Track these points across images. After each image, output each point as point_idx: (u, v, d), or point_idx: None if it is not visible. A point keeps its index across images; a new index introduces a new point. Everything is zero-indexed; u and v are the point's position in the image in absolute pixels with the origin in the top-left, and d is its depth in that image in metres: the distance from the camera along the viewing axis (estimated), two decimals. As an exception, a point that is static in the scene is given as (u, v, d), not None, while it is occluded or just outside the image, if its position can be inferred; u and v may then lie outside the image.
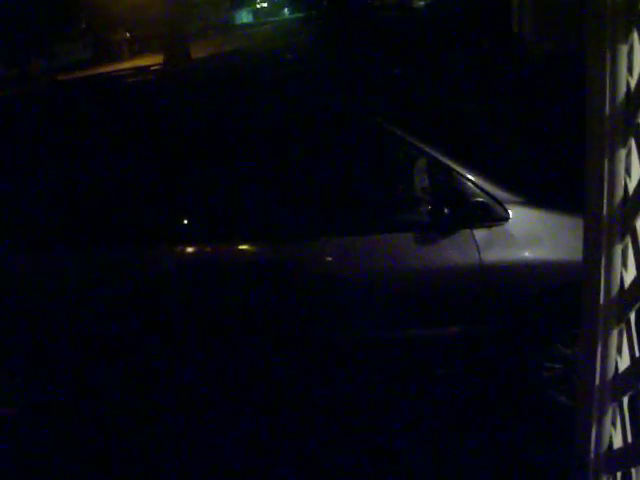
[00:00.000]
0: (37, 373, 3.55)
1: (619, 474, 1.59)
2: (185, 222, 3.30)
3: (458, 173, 2.98)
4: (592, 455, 1.65)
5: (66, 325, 3.36)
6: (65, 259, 3.35)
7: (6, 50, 23.50)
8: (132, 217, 3.34)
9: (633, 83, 1.35)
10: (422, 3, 27.81)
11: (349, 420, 3.38)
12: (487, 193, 2.95)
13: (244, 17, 48.96)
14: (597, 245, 1.48)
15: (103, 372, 3.48)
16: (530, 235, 2.95)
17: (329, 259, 3.13)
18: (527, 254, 2.95)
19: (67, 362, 3.48)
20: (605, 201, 1.43)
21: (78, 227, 3.36)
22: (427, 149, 3.03)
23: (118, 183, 3.37)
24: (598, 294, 1.51)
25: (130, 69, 4.71)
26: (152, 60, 13.22)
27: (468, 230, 2.95)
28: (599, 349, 1.56)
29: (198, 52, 14.91)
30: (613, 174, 1.42)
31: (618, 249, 1.48)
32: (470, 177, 2.97)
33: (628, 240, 1.47)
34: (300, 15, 26.80)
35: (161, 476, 3.22)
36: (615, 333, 1.54)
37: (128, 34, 30.65)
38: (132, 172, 3.36)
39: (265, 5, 49.97)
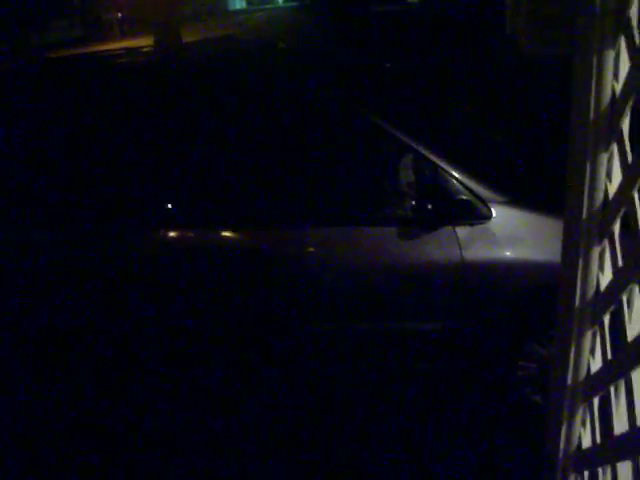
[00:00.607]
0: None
1: (586, 474, 1.61)
2: (170, 206, 3.29)
3: (443, 170, 2.99)
4: (561, 454, 1.68)
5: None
6: (57, 238, 3.34)
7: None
8: (119, 198, 3.33)
9: (618, 89, 1.37)
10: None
11: (326, 410, 3.40)
12: (471, 191, 2.97)
13: (237, 3, 48.71)
14: (575, 247, 1.50)
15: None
16: (512, 235, 2.98)
17: (311, 249, 3.14)
18: (508, 253, 2.97)
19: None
20: (585, 204, 1.45)
21: (71, 206, 3.36)
22: (413, 144, 3.04)
23: (106, 164, 3.36)
24: (574, 296, 1.52)
25: (121, 49, 4.67)
26: (143, 41, 13.11)
27: (450, 227, 2.97)
28: (572, 350, 1.58)
29: (190, 36, 14.80)
30: (594, 178, 1.43)
31: (595, 252, 1.49)
32: (455, 174, 2.99)
33: (606, 244, 1.48)
34: (294, 4, 26.66)
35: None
36: (589, 335, 1.57)
37: (120, 14, 30.37)
38: (121, 154, 3.35)
39: (260, -8, 49.74)
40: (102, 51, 4.73)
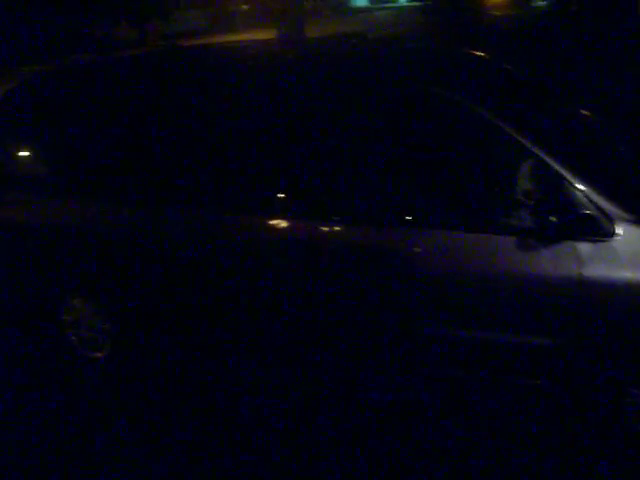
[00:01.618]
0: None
1: None
2: (283, 196, 3.34)
3: (568, 180, 2.86)
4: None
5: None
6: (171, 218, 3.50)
7: (130, 11, 24.31)
8: (234, 185, 3.42)
9: None
10: (544, 2, 26.89)
11: (426, 415, 3.36)
12: (596, 206, 2.83)
13: (359, 1, 48.79)
14: None
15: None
16: (636, 256, 2.81)
17: (421, 250, 3.09)
18: (630, 275, 2.81)
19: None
20: None
21: (184, 188, 3.49)
22: (536, 150, 2.92)
23: (226, 150, 3.45)
24: None
25: (247, 41, 4.78)
26: (266, 34, 13.38)
27: (571, 242, 2.84)
28: None
29: (311, 31, 14.99)
30: None
31: None
32: (580, 187, 2.85)
33: None
34: (418, 3, 26.41)
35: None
36: None
37: (245, 6, 31.16)
38: (243, 141, 3.43)
39: (383, -10, 49.60)
40: (229, 42, 4.85)
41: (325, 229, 3.21)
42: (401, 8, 39.64)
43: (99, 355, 3.94)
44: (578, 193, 2.85)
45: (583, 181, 2.87)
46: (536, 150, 2.93)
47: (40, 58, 20.58)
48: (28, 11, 22.55)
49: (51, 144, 4.03)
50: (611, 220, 2.81)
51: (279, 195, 3.33)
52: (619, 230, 2.81)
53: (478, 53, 4.21)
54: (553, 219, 2.77)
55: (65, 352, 4.02)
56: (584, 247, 2.83)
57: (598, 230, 2.82)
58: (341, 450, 3.16)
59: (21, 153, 4.14)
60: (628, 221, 2.83)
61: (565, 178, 2.86)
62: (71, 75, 4.29)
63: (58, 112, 3.99)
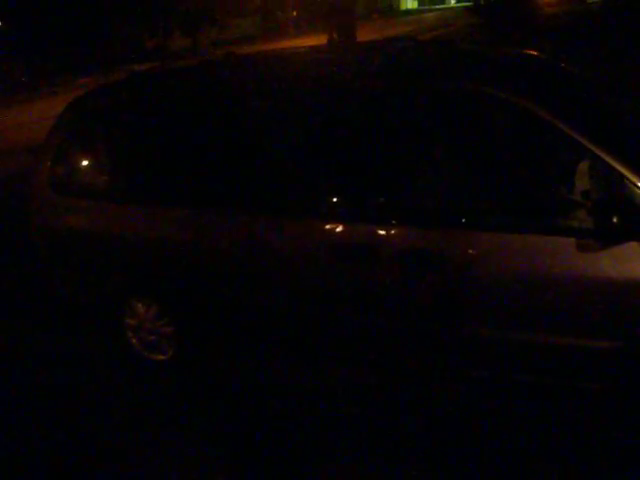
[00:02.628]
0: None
1: None
2: (335, 200, 3.38)
3: (629, 180, 2.81)
4: None
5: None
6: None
7: (183, 20, 24.73)
8: (291, 189, 3.48)
9: None
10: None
11: (481, 417, 3.34)
12: (660, 206, 2.77)
13: (409, 3, 48.60)
14: None
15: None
16: (702, 256, 2.74)
17: (476, 252, 3.07)
18: (695, 277, 2.74)
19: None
20: None
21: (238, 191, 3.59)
22: (595, 149, 2.88)
23: (282, 155, 3.52)
24: None
25: (299, 47, 4.84)
26: (314, 40, 13.46)
27: (635, 243, 2.78)
28: None
29: (363, 35, 15.01)
30: None
31: None
32: (643, 186, 2.80)
33: None
34: (467, 4, 26.14)
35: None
36: None
37: (295, 13, 31.40)
38: (298, 145, 3.49)
39: (431, -8, 49.32)
40: (284, 48, 4.91)
41: (383, 232, 3.23)
42: (450, 9, 39.30)
43: (162, 358, 4.04)
44: (640, 192, 2.79)
45: (646, 180, 2.81)
46: (594, 148, 2.88)
47: (96, 70, 21.11)
48: (83, 23, 23.13)
49: (115, 151, 4.15)
50: (676, 220, 2.75)
51: (336, 199, 3.37)
52: (684, 230, 2.75)
53: (532, 52, 4.17)
54: (615, 220, 2.72)
55: (127, 355, 4.13)
56: (648, 248, 2.78)
57: (662, 231, 2.77)
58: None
59: (87, 161, 4.26)
60: (694, 220, 2.76)
61: (626, 177, 2.81)
62: (134, 85, 4.41)
63: (125, 122, 4.10)
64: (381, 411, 3.48)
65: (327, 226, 3.33)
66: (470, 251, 3.07)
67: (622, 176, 2.81)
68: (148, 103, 4.05)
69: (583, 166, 2.95)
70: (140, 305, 4.01)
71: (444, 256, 3.11)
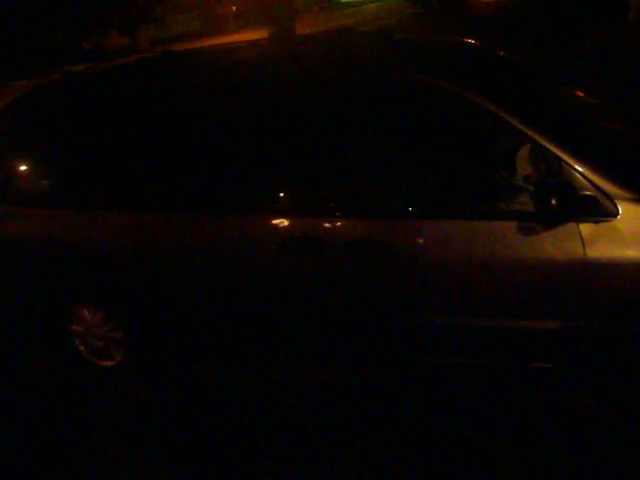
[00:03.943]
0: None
1: None
2: (280, 194, 3.38)
3: (566, 163, 2.87)
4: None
5: None
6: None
7: (118, 20, 24.24)
8: (233, 186, 3.44)
9: None
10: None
11: (433, 403, 3.37)
12: (596, 186, 2.84)
13: (349, -5, 48.61)
14: None
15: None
16: (639, 234, 2.82)
17: (424, 241, 3.10)
18: (634, 253, 2.82)
19: None
20: None
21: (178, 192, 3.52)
22: (533, 135, 2.94)
23: (224, 152, 3.48)
24: None
25: (236, 42, 4.79)
26: (257, 34, 13.38)
27: (574, 224, 2.85)
28: None
29: (302, 28, 14.97)
30: None
31: None
32: (579, 168, 2.86)
33: None
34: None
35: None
36: None
37: (234, 8, 31.11)
38: (237, 143, 3.45)
39: (371, -17, 49.44)
40: (222, 44, 4.86)
41: (328, 225, 3.22)
42: (390, 1, 39.54)
43: (110, 364, 3.96)
44: (577, 175, 2.86)
45: (582, 162, 2.88)
46: (532, 134, 2.94)
47: (33, 72, 20.52)
48: (16, 25, 22.47)
49: (53, 154, 4.04)
50: (612, 200, 2.82)
51: (280, 194, 3.35)
52: (621, 209, 2.82)
53: (468, 40, 4.22)
54: (554, 202, 2.78)
55: (75, 363, 4.03)
56: (587, 228, 2.84)
57: (600, 210, 2.83)
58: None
59: (25, 167, 4.13)
60: (629, 199, 2.83)
61: (564, 160, 2.87)
62: (70, 85, 4.29)
63: (62, 124, 3.99)
64: (333, 406, 3.47)
65: (273, 221, 3.32)
66: (419, 240, 3.09)
67: (559, 159, 2.87)
68: (84, 104, 3.95)
69: (524, 151, 3.00)
70: (86, 311, 3.91)
71: (391, 246, 3.13)
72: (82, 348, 3.99)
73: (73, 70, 5.58)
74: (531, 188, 2.89)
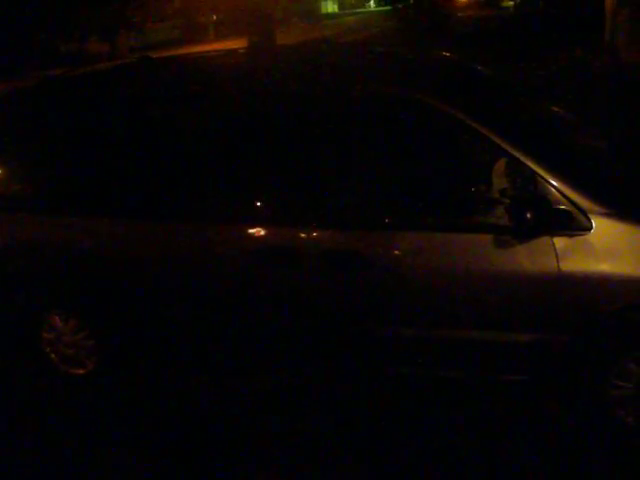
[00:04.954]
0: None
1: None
2: (256, 204, 3.36)
3: (541, 177, 2.90)
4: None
5: None
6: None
7: (98, 26, 24.09)
8: (209, 195, 3.42)
9: None
10: (511, 2, 27.19)
11: (406, 415, 3.36)
12: (570, 201, 2.87)
13: (329, 7, 48.96)
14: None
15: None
16: (612, 248, 2.87)
17: (399, 253, 3.11)
18: (607, 268, 2.86)
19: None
20: None
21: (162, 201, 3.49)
22: (509, 149, 2.96)
23: (199, 162, 3.45)
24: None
25: (215, 51, 4.79)
26: (237, 43, 13.39)
27: (548, 237, 2.87)
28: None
29: (283, 39, 15.03)
30: None
31: None
32: (553, 182, 2.89)
33: None
34: (386, 8, 26.58)
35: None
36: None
37: (215, 17, 31.12)
38: (214, 152, 3.43)
39: (352, -5, 49.91)
40: (200, 52, 4.85)
41: (304, 235, 3.22)
42: (370, 13, 39.85)
43: (82, 372, 3.90)
44: (552, 189, 2.89)
45: (557, 177, 2.91)
46: (508, 148, 2.97)
47: (9, 76, 20.34)
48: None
49: (30, 159, 3.98)
50: (586, 214, 2.85)
51: (257, 203, 3.34)
52: (595, 224, 2.85)
53: (445, 54, 4.26)
54: (529, 215, 2.80)
55: (46, 370, 3.96)
56: (561, 242, 2.87)
57: (574, 225, 2.87)
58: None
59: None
60: (603, 214, 2.87)
61: (539, 174, 2.90)
62: (46, 90, 4.25)
63: (37, 129, 3.94)
64: (306, 416, 3.46)
65: (249, 230, 3.30)
66: (395, 251, 3.10)
67: (534, 173, 2.90)
68: (60, 108, 3.91)
69: (500, 165, 3.03)
70: (58, 318, 3.86)
71: (367, 257, 3.13)
72: (53, 356, 3.93)
73: (49, 74, 5.52)
74: (507, 201, 2.91)
